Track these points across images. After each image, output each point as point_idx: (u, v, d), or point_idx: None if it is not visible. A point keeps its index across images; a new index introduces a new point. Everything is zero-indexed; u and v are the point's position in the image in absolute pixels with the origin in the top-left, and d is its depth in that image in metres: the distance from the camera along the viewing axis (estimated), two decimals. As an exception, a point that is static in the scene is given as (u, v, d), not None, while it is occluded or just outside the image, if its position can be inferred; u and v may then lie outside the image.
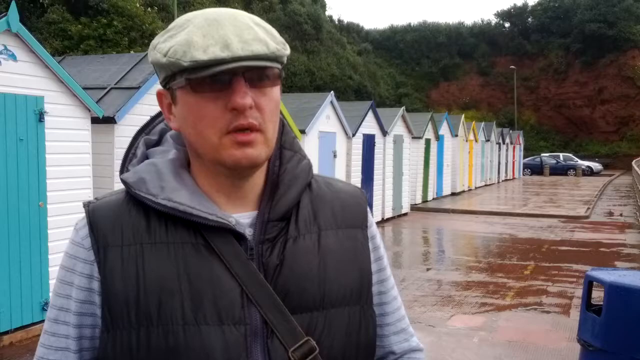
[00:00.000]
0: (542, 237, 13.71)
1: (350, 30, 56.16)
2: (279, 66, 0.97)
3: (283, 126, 1.08)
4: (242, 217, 1.01)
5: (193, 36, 0.91)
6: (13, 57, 5.96)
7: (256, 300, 0.96)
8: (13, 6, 5.89)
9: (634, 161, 30.67)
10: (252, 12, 33.67)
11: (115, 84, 7.81)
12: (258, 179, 1.03)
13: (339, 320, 1.02)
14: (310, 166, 1.09)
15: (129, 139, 1.12)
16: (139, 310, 0.94)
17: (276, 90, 0.97)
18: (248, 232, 0.99)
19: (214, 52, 0.89)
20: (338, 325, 1.02)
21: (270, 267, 0.98)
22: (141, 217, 0.98)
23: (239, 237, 0.98)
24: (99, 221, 0.99)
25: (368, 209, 1.15)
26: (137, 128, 1.16)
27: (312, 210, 1.06)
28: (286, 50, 0.97)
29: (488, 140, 27.77)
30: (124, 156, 1.10)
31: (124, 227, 0.98)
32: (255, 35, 0.92)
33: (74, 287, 0.99)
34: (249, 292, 0.96)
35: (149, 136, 1.12)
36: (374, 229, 1.14)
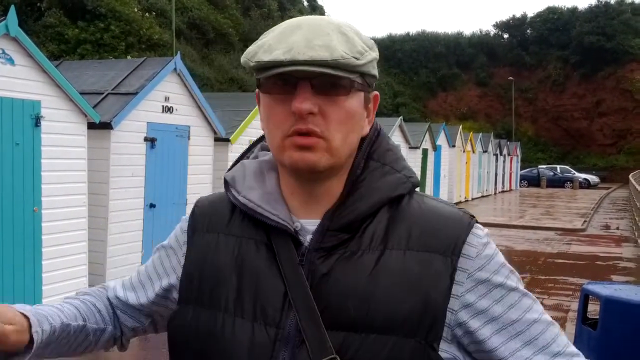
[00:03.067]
0: (539, 249, 13.69)
1: (349, 39, 56.33)
2: (352, 76, 0.93)
3: (377, 136, 1.05)
4: (310, 223, 1.00)
5: (270, 40, 0.95)
6: (11, 61, 5.94)
7: (296, 306, 0.94)
8: (12, 10, 5.87)
9: (630, 174, 30.73)
10: (250, 19, 33.76)
11: (112, 90, 7.79)
12: (334, 187, 1.00)
13: (379, 349, 0.91)
14: (400, 181, 1.01)
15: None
16: (197, 292, 1.04)
17: (352, 101, 0.95)
18: (308, 238, 0.99)
19: (276, 55, 0.91)
20: (376, 353, 0.91)
21: (316, 276, 0.96)
22: (227, 211, 1.08)
23: (297, 241, 0.99)
24: (197, 210, 1.13)
25: (472, 239, 0.98)
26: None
27: (385, 227, 0.98)
28: (361, 59, 0.93)
29: (485, 151, 27.80)
30: (237, 159, 1.15)
31: (212, 217, 1.09)
32: (325, 42, 0.91)
33: (168, 251, 1.15)
34: (292, 297, 0.95)
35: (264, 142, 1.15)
36: (478, 263, 0.96)
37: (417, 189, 1.06)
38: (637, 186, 21.22)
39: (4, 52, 5.88)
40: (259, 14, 34.83)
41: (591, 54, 50.56)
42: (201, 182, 8.87)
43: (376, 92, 1.04)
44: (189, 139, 8.60)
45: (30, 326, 0.99)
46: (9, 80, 5.91)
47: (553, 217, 20.12)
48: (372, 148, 1.03)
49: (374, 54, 0.97)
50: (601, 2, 55.18)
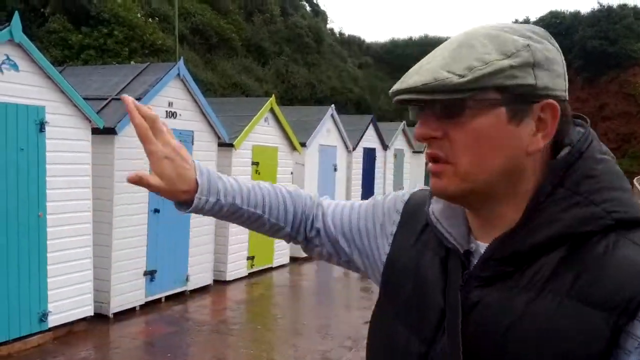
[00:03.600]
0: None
1: (351, 44, 56.38)
2: (459, 96, 0.86)
3: (578, 158, 0.90)
4: (484, 247, 0.94)
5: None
6: (15, 67, 5.96)
7: (448, 331, 0.91)
8: (16, 16, 5.89)
9: (635, 179, 30.64)
10: (253, 25, 33.82)
11: (116, 95, 7.80)
12: (509, 213, 0.91)
13: None
14: (595, 216, 0.85)
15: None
16: (385, 285, 1.11)
17: (480, 121, 0.87)
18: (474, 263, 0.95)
19: (396, 84, 0.93)
20: None
21: (467, 304, 0.91)
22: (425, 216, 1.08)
23: (464, 264, 0.96)
24: (410, 203, 1.15)
25: None
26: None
27: (553, 268, 0.85)
28: (468, 76, 0.85)
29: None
30: None
31: (416, 217, 1.10)
32: (432, 64, 0.88)
33: (376, 220, 1.20)
34: (446, 322, 0.92)
35: None
36: None
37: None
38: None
39: (8, 58, 5.89)
40: (262, 19, 34.92)
41: (594, 58, 50.55)
42: (205, 187, 8.86)
43: (549, 101, 0.88)
44: (192, 144, 8.60)
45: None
46: (13, 86, 5.93)
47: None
48: (568, 172, 0.89)
49: (509, 61, 0.85)
50: (604, 6, 55.16)
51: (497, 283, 0.89)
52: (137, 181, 1.12)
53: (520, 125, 0.87)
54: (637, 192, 23.05)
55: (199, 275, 8.87)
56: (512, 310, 0.85)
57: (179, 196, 1.12)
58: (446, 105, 0.88)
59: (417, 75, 0.88)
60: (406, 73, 0.92)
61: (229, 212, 1.18)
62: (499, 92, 0.86)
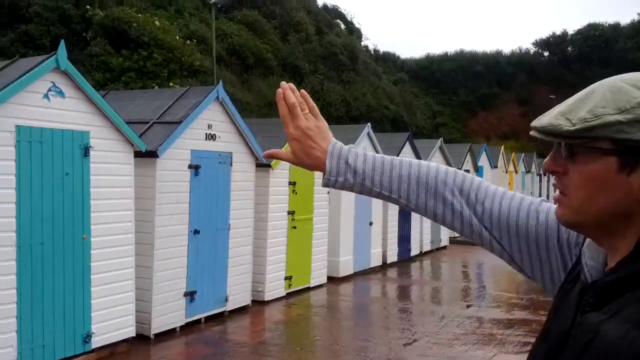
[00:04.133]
0: (586, 272, 13.32)
1: (386, 60, 56.46)
2: (570, 141, 0.95)
3: None
4: None
5: None
6: (61, 93, 6.14)
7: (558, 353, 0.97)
8: (62, 45, 6.08)
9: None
10: (289, 44, 34.15)
11: (157, 119, 7.96)
12: (620, 245, 0.96)
13: None
14: None
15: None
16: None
17: (592, 166, 0.94)
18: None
19: (534, 120, 1.02)
20: None
21: (579, 339, 0.91)
22: None
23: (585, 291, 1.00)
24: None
25: None
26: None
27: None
28: (577, 125, 0.92)
29: (529, 172, 27.34)
30: None
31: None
32: (559, 109, 0.98)
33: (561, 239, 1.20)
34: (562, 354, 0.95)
35: None
36: None
37: None
38: None
39: (54, 85, 6.08)
40: (297, 39, 35.27)
41: (635, 71, 49.33)
42: (243, 207, 8.94)
43: None
44: (231, 165, 8.71)
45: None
46: (59, 112, 6.11)
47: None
48: None
49: (619, 117, 0.90)
50: (644, 16, 54.13)
51: (599, 314, 0.91)
52: (272, 155, 1.39)
53: (630, 175, 0.92)
54: None
55: (238, 295, 8.92)
56: (597, 332, 0.89)
57: (314, 168, 1.31)
58: (567, 146, 0.97)
59: (545, 116, 0.99)
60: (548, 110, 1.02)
61: (361, 191, 1.29)
62: (611, 142, 0.92)
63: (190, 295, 8.01)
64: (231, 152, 8.72)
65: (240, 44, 29.74)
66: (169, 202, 7.63)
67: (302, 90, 1.33)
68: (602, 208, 0.95)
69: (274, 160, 9.58)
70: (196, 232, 8.06)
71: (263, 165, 9.44)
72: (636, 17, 54.73)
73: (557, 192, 1.02)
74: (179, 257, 7.84)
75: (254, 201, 9.23)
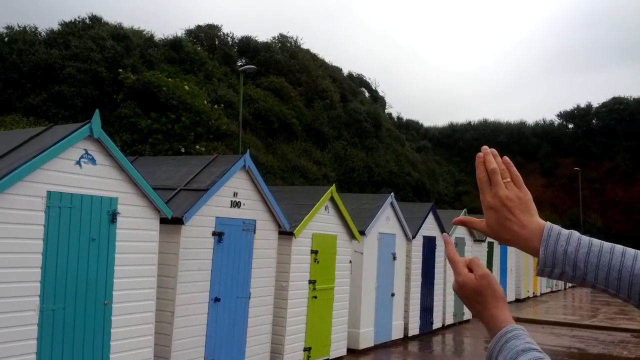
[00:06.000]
0: (614, 353, 12.85)
1: (410, 128, 56.96)
2: None
3: None
4: None
5: None
6: (93, 161, 6.28)
7: None
8: (96, 115, 6.26)
9: None
10: (313, 110, 34.76)
11: (184, 186, 8.06)
12: None
13: None
14: None
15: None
16: None
17: None
18: None
19: None
20: None
21: None
22: None
23: None
24: None
25: None
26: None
27: None
28: None
29: (552, 244, 26.89)
30: None
31: None
32: None
33: None
34: None
35: None
36: None
37: None
38: None
39: (87, 153, 6.23)
40: (322, 105, 35.89)
41: (663, 145, 49.13)
42: (264, 275, 8.90)
43: None
44: (254, 233, 8.72)
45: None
46: (90, 178, 6.23)
47: (628, 317, 18.97)
48: None
49: None
50: (669, 91, 54.19)
51: None
52: (464, 222, 1.30)
53: None
54: None
55: (256, 366, 8.75)
56: None
57: (510, 243, 1.20)
58: None
59: None
60: None
61: (581, 284, 1.16)
62: None
63: (207, 364, 7.88)
64: (255, 220, 8.75)
65: (266, 109, 30.33)
66: (191, 269, 7.63)
67: (505, 157, 1.25)
68: None
69: (297, 228, 9.59)
70: (217, 299, 8.01)
71: (286, 233, 9.44)
72: (660, 92, 54.85)
73: None
74: (198, 324, 7.77)
75: (276, 269, 9.18)
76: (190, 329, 7.63)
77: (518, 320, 17.43)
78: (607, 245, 1.12)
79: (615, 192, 51.58)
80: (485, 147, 1.27)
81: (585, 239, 1.13)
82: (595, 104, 58.20)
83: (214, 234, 7.96)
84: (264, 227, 8.92)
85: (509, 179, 1.22)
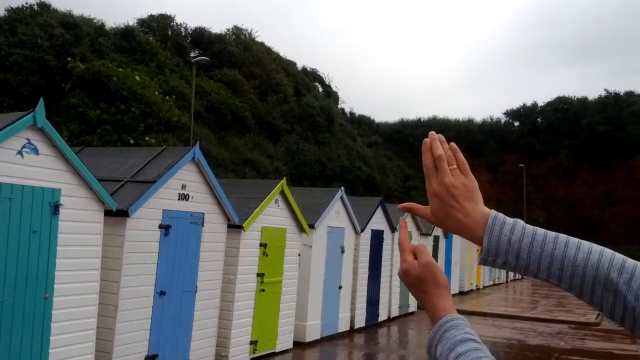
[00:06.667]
0: (552, 344, 13.36)
1: (362, 123, 57.47)
2: None
3: None
4: None
5: None
6: (35, 150, 6.14)
7: None
8: (41, 103, 6.13)
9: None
10: (267, 104, 34.69)
11: (131, 177, 7.96)
12: None
13: None
14: None
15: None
16: None
17: None
18: None
19: None
20: None
21: None
22: None
23: None
24: None
25: None
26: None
27: None
28: None
29: (497, 239, 27.64)
30: None
31: None
32: None
33: None
34: None
35: None
36: None
37: None
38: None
39: (29, 142, 6.09)
40: (276, 99, 35.84)
41: (602, 144, 51.08)
42: (212, 269, 8.88)
43: None
44: (202, 226, 8.69)
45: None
46: (32, 169, 6.09)
47: (566, 309, 19.72)
48: None
49: None
50: (611, 93, 56.34)
51: None
52: (408, 209, 1.24)
53: None
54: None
55: None
56: None
57: (454, 230, 1.16)
58: None
59: None
60: None
61: (523, 273, 1.12)
62: None
63: (152, 358, 7.82)
64: (203, 213, 8.72)
65: (219, 101, 30.08)
66: (136, 262, 7.55)
67: (452, 144, 1.21)
68: None
69: (247, 221, 9.60)
70: (162, 293, 7.95)
71: (235, 227, 9.43)
72: (603, 93, 56.93)
73: None
74: (142, 318, 7.70)
75: (224, 262, 9.17)
76: (134, 323, 7.56)
77: (461, 312, 17.87)
78: (550, 234, 1.09)
79: (558, 188, 53.39)
80: (432, 133, 1.21)
81: (530, 228, 1.10)
82: (540, 103, 60.00)
83: (160, 226, 7.89)
84: (212, 220, 8.89)
85: (455, 166, 1.18)
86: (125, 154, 8.98)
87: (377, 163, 45.32)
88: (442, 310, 1.12)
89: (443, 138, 1.21)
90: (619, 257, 1.07)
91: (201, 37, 37.16)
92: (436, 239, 19.46)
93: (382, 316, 15.07)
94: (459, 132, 58.16)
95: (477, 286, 24.76)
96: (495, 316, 17.60)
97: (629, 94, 56.07)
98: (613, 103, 54.36)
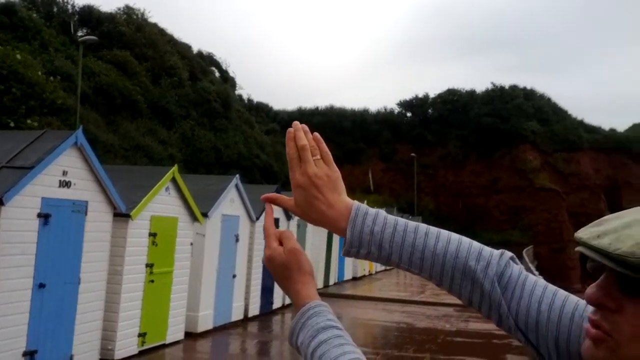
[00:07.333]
0: (439, 326, 13.98)
1: (260, 110, 57.14)
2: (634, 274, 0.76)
3: None
4: None
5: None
6: None
7: None
8: None
9: (524, 250, 32.36)
10: (160, 87, 33.59)
11: (7, 163, 7.41)
12: None
13: None
14: None
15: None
16: None
17: None
18: None
19: (586, 231, 0.83)
20: None
21: None
22: None
23: None
24: None
25: None
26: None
27: None
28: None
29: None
30: None
31: None
32: (636, 232, 0.78)
33: None
34: None
35: None
36: None
37: None
38: (529, 263, 22.34)
39: None
40: (170, 82, 34.78)
41: (488, 135, 53.93)
42: (97, 259, 8.49)
43: None
44: (86, 215, 8.27)
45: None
46: None
47: (453, 293, 20.70)
48: None
49: None
50: (497, 86, 59.54)
51: None
52: (271, 199, 1.21)
53: None
54: (526, 265, 24.31)
55: (85, 354, 8.34)
56: None
57: (317, 222, 1.14)
58: (629, 280, 0.77)
59: (615, 239, 0.78)
60: (601, 223, 0.83)
61: (386, 263, 1.13)
62: None
63: (30, 354, 7.37)
64: (87, 201, 8.29)
65: (108, 84, 28.75)
66: (12, 254, 7.06)
67: (316, 134, 1.19)
68: None
69: (134, 210, 9.24)
70: (42, 285, 7.50)
71: (122, 215, 9.06)
72: (490, 86, 60.05)
73: (593, 327, 0.83)
74: (20, 313, 7.22)
75: (109, 253, 8.79)
76: (10, 318, 7.08)
77: (354, 297, 18.32)
78: (412, 224, 1.10)
79: (446, 177, 55.85)
80: (296, 123, 1.20)
81: (391, 218, 1.10)
82: (432, 95, 62.34)
83: (39, 215, 7.42)
84: (97, 208, 8.48)
85: (318, 157, 1.16)
86: (2, 138, 8.35)
87: (275, 151, 45.27)
88: (305, 297, 1.10)
89: (307, 128, 1.19)
90: (476, 245, 1.09)
91: (90, 16, 35.27)
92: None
93: (277, 304, 15.12)
94: (355, 121, 59.27)
95: (369, 272, 25.45)
96: (386, 301, 18.17)
97: (514, 88, 59.49)
98: (499, 96, 57.44)
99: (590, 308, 0.85)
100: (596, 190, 54.92)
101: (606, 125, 66.83)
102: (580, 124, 61.28)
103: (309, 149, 1.16)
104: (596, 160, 57.56)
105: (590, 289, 0.82)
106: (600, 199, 54.66)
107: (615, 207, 53.23)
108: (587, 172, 55.44)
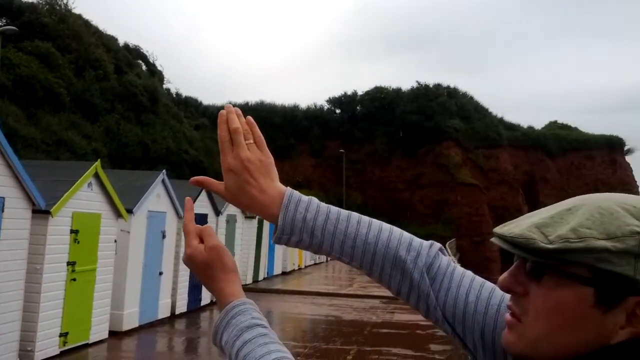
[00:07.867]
0: (365, 318, 14.27)
1: (189, 105, 56.19)
2: (543, 260, 0.79)
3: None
4: None
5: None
6: None
7: None
8: None
9: (447, 243, 33.41)
10: (84, 80, 32.50)
11: None
12: None
13: None
14: None
15: None
16: None
17: (557, 294, 0.79)
18: None
19: (500, 226, 0.87)
20: None
21: None
22: None
23: None
24: None
25: None
26: None
27: None
28: (554, 244, 0.78)
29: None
30: None
31: None
32: (532, 219, 0.83)
33: None
34: None
35: None
36: None
37: None
38: (451, 256, 23.10)
39: None
40: (94, 75, 33.69)
41: (413, 132, 55.25)
42: (13, 258, 8.18)
43: None
44: (2, 212, 7.95)
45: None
46: None
47: (379, 285, 21.11)
48: None
49: (607, 244, 0.76)
50: (422, 85, 61.03)
51: None
52: (201, 183, 1.17)
53: (607, 313, 0.77)
54: (449, 255, 25.16)
55: (2, 356, 8.03)
56: None
57: (248, 208, 1.11)
58: (534, 265, 0.82)
59: (515, 226, 0.84)
60: (516, 219, 0.88)
61: (317, 252, 1.10)
62: (589, 270, 0.77)
63: (-59, 358, 7.05)
64: (3, 197, 7.98)
65: (29, 76, 27.57)
66: None
67: (249, 117, 1.15)
68: (564, 347, 0.80)
69: (55, 207, 8.96)
70: (-46, 286, 7.17)
71: (41, 212, 8.77)
72: (415, 84, 61.48)
73: (509, 313, 0.86)
74: None
75: (28, 251, 8.50)
76: None
77: (283, 292, 18.43)
78: (344, 213, 1.09)
79: (374, 172, 56.86)
80: (228, 105, 1.16)
81: (324, 206, 1.09)
82: (360, 92, 63.17)
83: (-49, 213, 7.10)
84: (13, 205, 8.17)
85: (251, 141, 1.13)
86: None
87: (205, 146, 44.70)
88: (230, 296, 1.07)
89: (240, 112, 1.16)
90: (407, 235, 1.10)
91: (9, 5, 33.64)
92: (260, 221, 19.76)
93: (205, 300, 15.01)
94: (285, 117, 59.31)
95: (299, 266, 25.63)
96: (315, 294, 18.37)
97: (437, 87, 61.16)
98: (423, 94, 58.90)
99: (508, 296, 0.89)
100: (515, 185, 57.39)
101: (524, 123, 69.67)
102: (500, 121, 63.85)
103: (242, 132, 1.12)
104: (515, 156, 60.13)
105: (502, 276, 0.86)
106: (518, 194, 57.20)
107: (533, 201, 55.86)
108: (506, 167, 57.82)
